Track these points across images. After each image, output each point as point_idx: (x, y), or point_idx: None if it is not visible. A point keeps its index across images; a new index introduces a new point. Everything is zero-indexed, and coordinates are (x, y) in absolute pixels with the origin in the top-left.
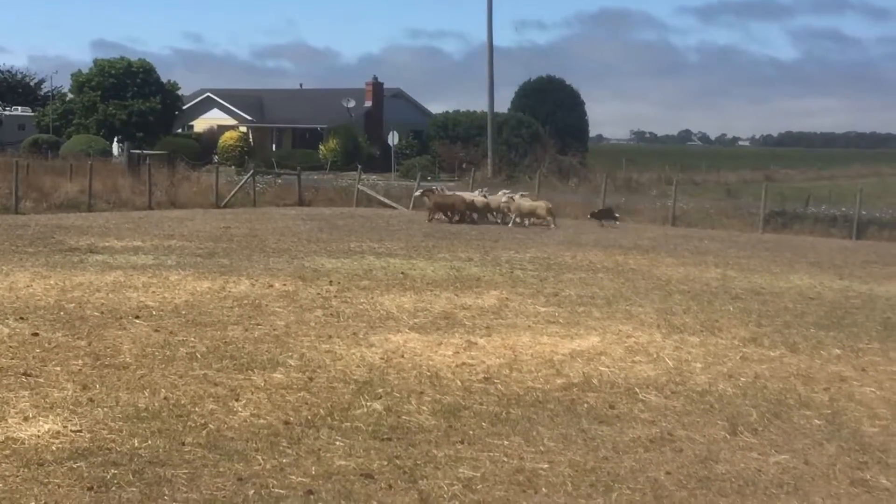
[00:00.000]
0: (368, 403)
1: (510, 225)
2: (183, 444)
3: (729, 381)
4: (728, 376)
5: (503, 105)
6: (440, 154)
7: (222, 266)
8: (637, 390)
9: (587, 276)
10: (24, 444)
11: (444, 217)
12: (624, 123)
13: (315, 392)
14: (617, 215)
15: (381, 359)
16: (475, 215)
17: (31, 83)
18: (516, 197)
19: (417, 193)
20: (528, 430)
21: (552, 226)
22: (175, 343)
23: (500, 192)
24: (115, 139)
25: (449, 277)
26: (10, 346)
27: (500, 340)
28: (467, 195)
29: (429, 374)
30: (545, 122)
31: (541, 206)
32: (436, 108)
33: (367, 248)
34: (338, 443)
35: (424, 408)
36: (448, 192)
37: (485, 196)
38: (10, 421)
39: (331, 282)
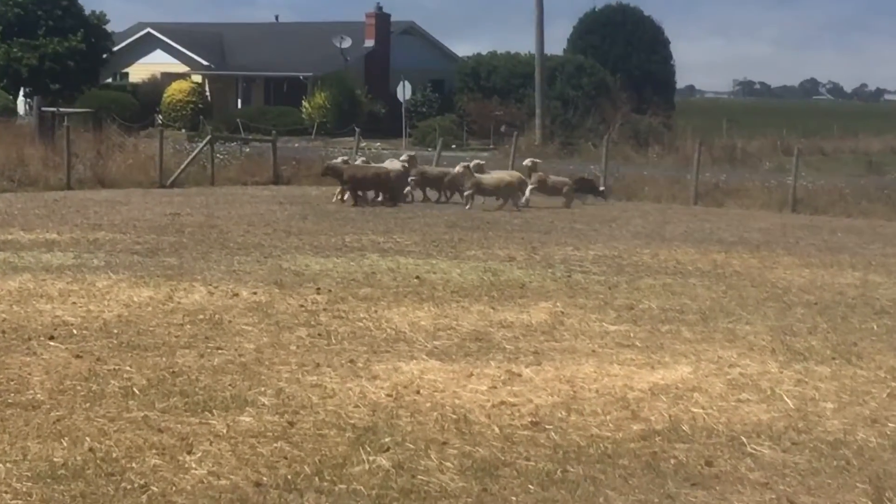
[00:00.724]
0: (371, 458)
1: (468, 207)
2: None
3: (872, 428)
4: (871, 421)
5: (557, 45)
6: (469, 113)
7: (169, 267)
8: (744, 440)
9: (674, 281)
10: None
11: (361, 198)
12: (725, 70)
13: (297, 442)
14: (602, 188)
15: (389, 396)
16: (414, 193)
17: None
18: (472, 166)
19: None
20: (593, 496)
21: (518, 205)
22: (104, 374)
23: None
24: (21, 92)
25: (482, 283)
26: None
27: (554, 371)
28: (393, 165)
29: (454, 416)
30: (615, 69)
31: (505, 178)
32: (463, 48)
33: (369, 243)
34: None
35: (449, 464)
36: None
37: (404, 164)
38: None
39: (318, 289)
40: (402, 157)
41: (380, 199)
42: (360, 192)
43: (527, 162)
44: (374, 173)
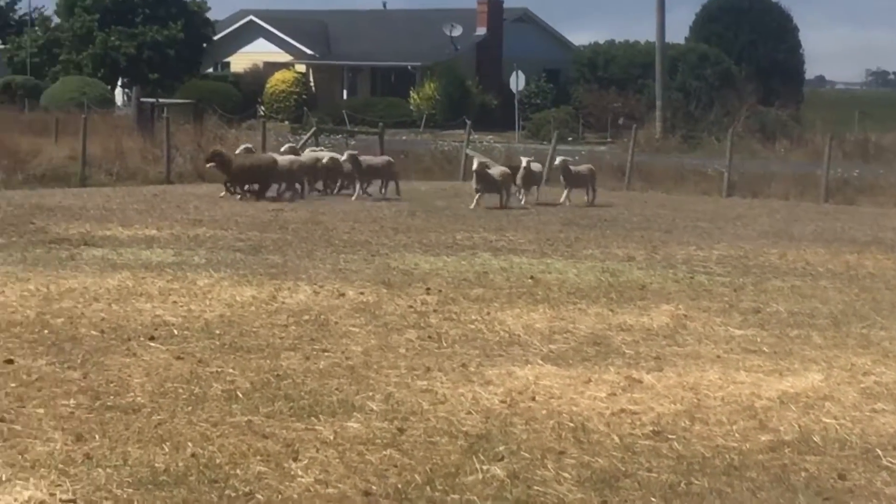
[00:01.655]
0: (485, 467)
1: (353, 198)
2: None
3: None
4: None
5: (678, 33)
6: (586, 104)
7: (272, 266)
8: (879, 453)
9: (803, 283)
10: None
11: (238, 191)
12: (857, 60)
13: (407, 450)
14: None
15: (503, 402)
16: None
17: (1, 3)
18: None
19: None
20: None
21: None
22: (206, 376)
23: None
24: (119, 82)
25: (600, 284)
26: None
27: (676, 377)
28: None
29: (572, 425)
30: (740, 59)
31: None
32: (579, 37)
33: (481, 241)
34: None
35: (566, 474)
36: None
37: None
38: None
39: (428, 289)
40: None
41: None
42: (240, 186)
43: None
44: (256, 164)
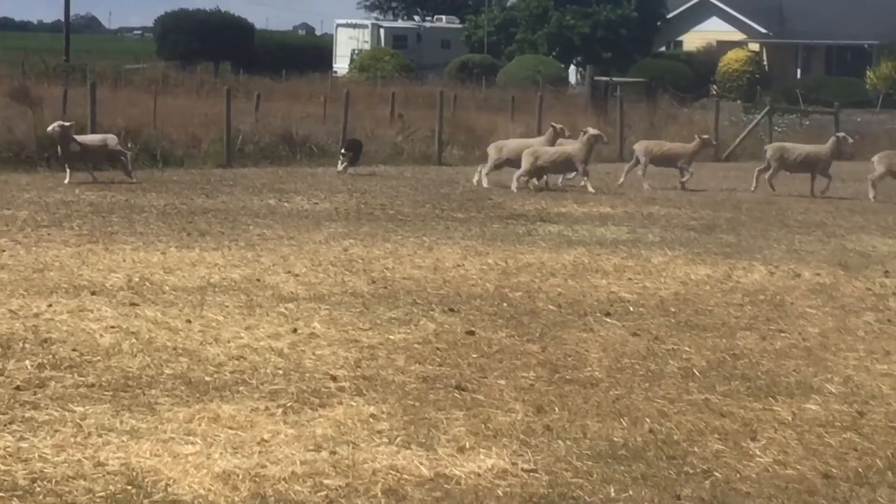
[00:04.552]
0: None
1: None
2: (678, 497)
3: None
4: None
5: None
6: None
7: (726, 245)
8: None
9: None
10: (459, 484)
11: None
12: None
13: (867, 434)
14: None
15: None
16: None
17: None
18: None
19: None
20: None
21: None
22: (662, 353)
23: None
24: (573, 62)
25: None
26: (438, 348)
27: None
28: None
29: None
30: None
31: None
32: None
33: None
34: None
35: None
36: None
37: None
38: (440, 451)
39: (886, 272)
40: None
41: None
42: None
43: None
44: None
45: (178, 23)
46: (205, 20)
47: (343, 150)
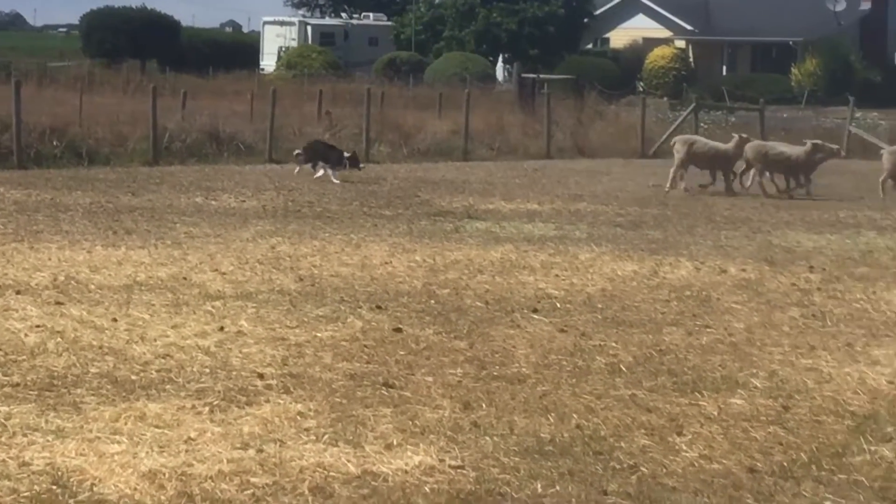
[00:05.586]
0: (873, 448)
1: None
2: (604, 493)
3: None
4: None
5: None
6: None
7: (653, 241)
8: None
9: None
10: (386, 481)
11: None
12: None
13: (792, 428)
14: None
15: (891, 383)
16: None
17: None
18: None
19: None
20: None
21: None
22: (589, 349)
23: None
24: (500, 58)
25: None
26: (365, 346)
27: None
28: None
29: None
30: None
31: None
32: None
33: (865, 220)
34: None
35: None
36: None
37: None
38: (367, 448)
39: (811, 267)
40: None
41: None
42: None
43: None
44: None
45: (104, 20)
46: (131, 17)
47: (300, 152)
